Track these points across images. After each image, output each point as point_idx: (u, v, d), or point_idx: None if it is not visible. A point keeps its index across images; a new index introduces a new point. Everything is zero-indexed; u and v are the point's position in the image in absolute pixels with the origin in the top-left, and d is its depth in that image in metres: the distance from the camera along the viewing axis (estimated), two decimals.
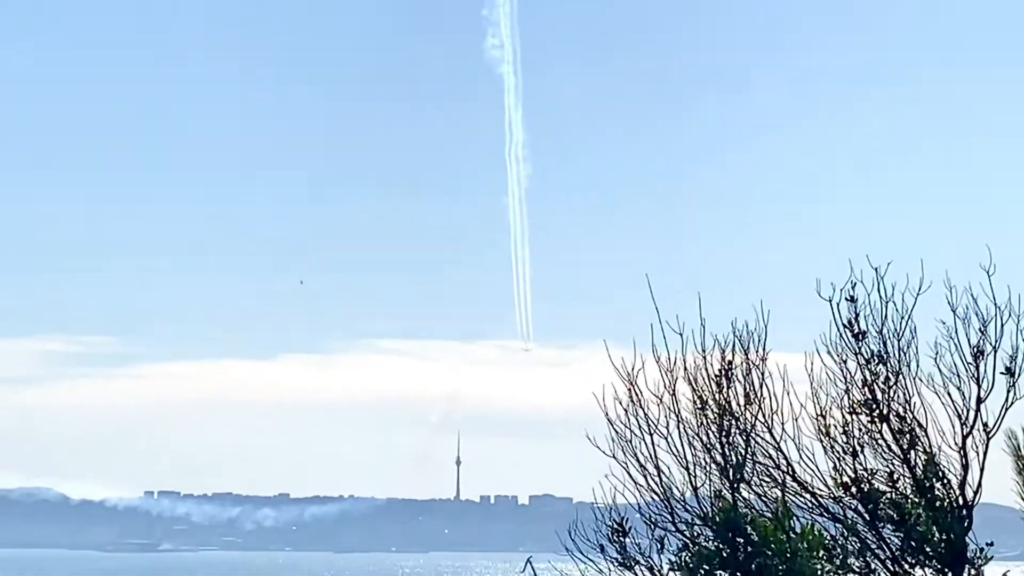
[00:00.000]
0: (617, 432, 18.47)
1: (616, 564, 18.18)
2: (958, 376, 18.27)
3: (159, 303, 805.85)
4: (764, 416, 18.45)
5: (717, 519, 17.88)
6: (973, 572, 18.06)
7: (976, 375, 18.27)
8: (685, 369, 18.45)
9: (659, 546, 18.10)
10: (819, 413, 18.48)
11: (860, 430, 18.47)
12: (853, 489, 18.39)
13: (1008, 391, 18.25)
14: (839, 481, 18.43)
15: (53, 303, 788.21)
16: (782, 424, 18.45)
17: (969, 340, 18.25)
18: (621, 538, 18.17)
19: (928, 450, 18.41)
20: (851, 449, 18.43)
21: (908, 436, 18.43)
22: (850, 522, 18.40)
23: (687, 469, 18.32)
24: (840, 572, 18.14)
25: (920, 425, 18.45)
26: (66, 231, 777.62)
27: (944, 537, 18.11)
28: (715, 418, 18.42)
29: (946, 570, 18.02)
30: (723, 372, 18.46)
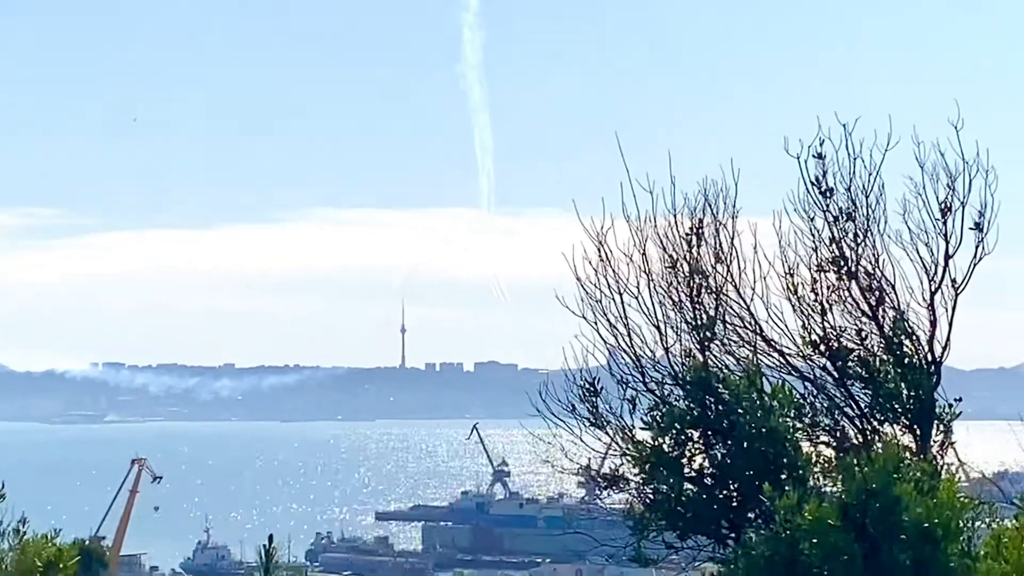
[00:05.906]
0: (587, 292, 18.33)
1: (588, 424, 18.15)
2: (926, 232, 18.19)
3: (101, 173, 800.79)
4: (734, 276, 18.36)
5: (688, 378, 17.86)
6: (942, 428, 18.10)
7: (944, 231, 18.18)
8: (655, 228, 18.30)
9: (631, 406, 18.05)
10: (787, 272, 18.39)
11: (828, 288, 18.40)
12: (822, 347, 18.36)
13: (976, 247, 18.16)
14: (808, 339, 18.39)
15: None
16: (752, 283, 18.37)
17: (937, 196, 18.11)
18: (593, 398, 18.12)
19: (896, 307, 18.37)
20: (819, 307, 18.37)
21: (876, 293, 18.38)
22: (819, 380, 18.39)
23: (658, 328, 18.23)
24: (810, 429, 18.18)
25: (888, 282, 18.40)
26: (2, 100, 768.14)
27: (913, 393, 18.13)
28: (685, 277, 18.31)
29: (915, 426, 18.07)
30: (693, 231, 18.32)
